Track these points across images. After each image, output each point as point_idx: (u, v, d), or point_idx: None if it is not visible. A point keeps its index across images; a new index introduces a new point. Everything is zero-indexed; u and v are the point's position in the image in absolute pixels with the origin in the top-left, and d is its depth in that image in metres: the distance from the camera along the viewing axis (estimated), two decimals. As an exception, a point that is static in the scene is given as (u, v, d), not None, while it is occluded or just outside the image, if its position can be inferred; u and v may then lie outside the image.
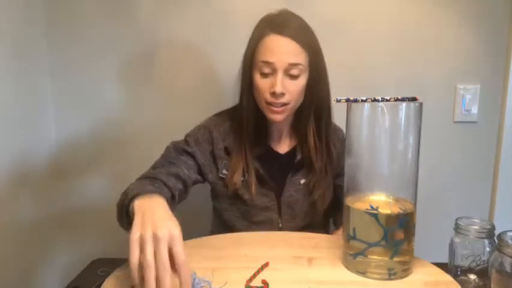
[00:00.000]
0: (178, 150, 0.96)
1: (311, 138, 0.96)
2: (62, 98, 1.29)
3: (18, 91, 1.14)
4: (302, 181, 0.98)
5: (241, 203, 0.98)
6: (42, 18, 1.24)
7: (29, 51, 1.19)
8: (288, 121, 0.98)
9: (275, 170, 0.98)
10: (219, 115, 1.02)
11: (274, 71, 0.88)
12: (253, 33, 0.94)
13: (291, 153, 1.00)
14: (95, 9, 1.25)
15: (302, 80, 0.91)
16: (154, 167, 0.94)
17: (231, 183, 0.95)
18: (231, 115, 1.00)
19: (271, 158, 0.99)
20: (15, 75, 1.13)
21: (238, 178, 0.94)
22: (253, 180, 0.94)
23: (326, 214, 1.06)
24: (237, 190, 0.96)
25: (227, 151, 0.97)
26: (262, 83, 0.90)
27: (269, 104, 0.91)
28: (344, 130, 0.70)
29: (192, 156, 0.95)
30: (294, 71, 0.89)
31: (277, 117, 0.92)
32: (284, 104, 0.90)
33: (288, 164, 0.99)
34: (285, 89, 0.88)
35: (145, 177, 0.89)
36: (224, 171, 0.96)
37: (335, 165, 1.00)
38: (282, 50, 0.88)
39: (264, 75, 0.90)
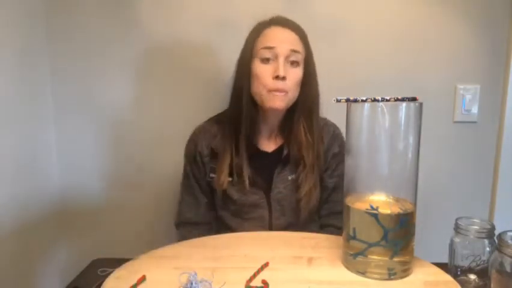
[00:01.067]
0: (186, 186, 1.06)
1: (302, 134, 0.98)
2: (63, 99, 1.29)
3: (18, 91, 1.14)
4: (290, 177, 1.00)
5: (231, 203, 1.01)
6: (42, 19, 1.24)
7: (29, 52, 1.19)
8: (279, 117, 1.00)
9: (263, 169, 1.00)
10: (207, 121, 1.07)
11: (275, 57, 0.92)
12: (251, 33, 0.98)
13: (278, 151, 1.02)
14: (95, 10, 1.25)
15: (300, 71, 0.95)
16: (183, 212, 1.07)
17: (218, 184, 0.99)
18: (219, 119, 1.05)
19: (259, 157, 1.01)
20: (15, 76, 1.13)
21: (225, 178, 0.98)
22: (242, 179, 0.97)
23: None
24: (225, 191, 0.99)
25: (213, 154, 1.01)
26: (263, 70, 0.93)
27: (271, 91, 0.93)
28: (343, 129, 0.70)
29: (195, 179, 1.05)
30: (294, 59, 0.93)
31: (279, 103, 0.93)
32: (284, 92, 0.93)
33: (275, 162, 1.01)
34: (287, 74, 0.92)
35: (185, 223, 1.07)
36: (211, 175, 1.01)
37: (322, 160, 1.02)
38: (284, 37, 0.94)
39: (265, 62, 0.93)
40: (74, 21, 1.26)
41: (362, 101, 0.66)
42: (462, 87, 1.25)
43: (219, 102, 1.20)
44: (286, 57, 0.92)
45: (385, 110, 0.65)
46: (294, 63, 0.94)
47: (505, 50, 1.22)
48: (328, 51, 1.24)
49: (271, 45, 0.92)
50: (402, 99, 0.65)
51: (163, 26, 1.25)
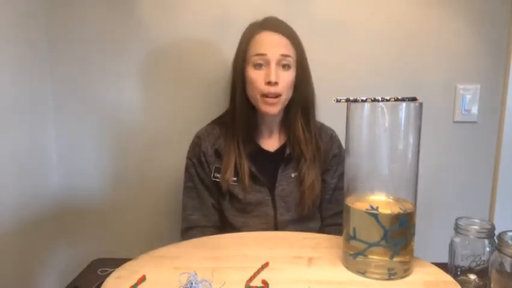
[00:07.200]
0: (191, 188, 1.06)
1: (300, 131, 1.02)
2: (63, 99, 1.29)
3: (18, 91, 1.14)
4: (293, 174, 1.03)
5: (237, 202, 1.02)
6: (43, 19, 1.24)
7: (29, 52, 1.19)
8: (278, 118, 1.04)
9: (266, 167, 1.03)
10: (209, 124, 1.09)
11: (267, 63, 0.95)
12: (243, 35, 1.01)
13: (281, 150, 1.05)
14: (96, 10, 1.25)
15: (292, 73, 0.98)
16: (188, 217, 1.06)
17: (223, 182, 1.01)
18: (221, 121, 1.07)
19: (262, 156, 1.04)
20: (15, 76, 1.13)
21: (230, 177, 1.00)
22: (246, 178, 0.99)
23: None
24: (231, 190, 1.01)
25: (218, 155, 1.03)
26: (256, 76, 0.96)
27: (264, 96, 0.96)
28: (344, 130, 0.71)
29: (200, 180, 1.05)
30: (286, 62, 0.96)
31: (272, 109, 0.97)
32: (277, 96, 0.96)
33: (278, 160, 1.03)
34: (278, 79, 0.94)
35: (191, 227, 1.05)
36: (216, 175, 1.03)
37: (323, 158, 1.05)
38: (274, 43, 0.96)
39: (258, 67, 0.96)
40: (74, 21, 1.26)
41: (362, 101, 0.66)
42: (462, 87, 1.25)
43: (219, 102, 1.20)
44: (278, 62, 0.95)
45: (385, 110, 0.65)
46: (285, 66, 0.96)
47: (505, 50, 1.22)
48: (328, 51, 1.24)
49: (263, 52, 0.95)
50: (402, 99, 0.65)
51: (164, 26, 1.25)
